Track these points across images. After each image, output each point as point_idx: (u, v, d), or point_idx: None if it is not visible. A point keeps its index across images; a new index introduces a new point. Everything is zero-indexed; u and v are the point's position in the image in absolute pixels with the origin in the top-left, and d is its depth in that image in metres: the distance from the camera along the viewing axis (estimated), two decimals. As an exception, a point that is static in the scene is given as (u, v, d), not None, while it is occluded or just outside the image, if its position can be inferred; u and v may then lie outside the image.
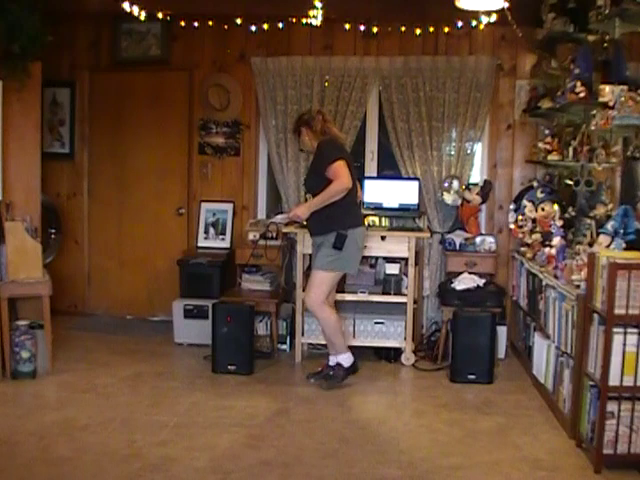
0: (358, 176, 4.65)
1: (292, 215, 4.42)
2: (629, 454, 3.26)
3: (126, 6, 4.87)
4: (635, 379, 3.21)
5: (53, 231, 5.97)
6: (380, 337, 5.07)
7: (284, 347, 5.30)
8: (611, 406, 3.24)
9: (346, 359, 4.48)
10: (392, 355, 5.08)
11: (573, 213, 4.57)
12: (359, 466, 3.34)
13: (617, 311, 3.19)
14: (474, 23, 5.12)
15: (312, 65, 5.59)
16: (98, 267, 6.19)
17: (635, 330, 3.21)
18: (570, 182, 4.57)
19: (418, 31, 5.46)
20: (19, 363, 4.38)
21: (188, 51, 5.84)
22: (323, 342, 4.77)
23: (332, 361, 4.50)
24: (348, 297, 4.98)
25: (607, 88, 3.79)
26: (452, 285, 5.04)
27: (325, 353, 4.73)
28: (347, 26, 5.49)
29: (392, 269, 5.09)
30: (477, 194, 5.40)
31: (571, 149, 4.46)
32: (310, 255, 4.78)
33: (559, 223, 4.55)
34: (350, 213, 4.37)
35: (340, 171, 4.21)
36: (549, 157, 4.79)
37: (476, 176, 5.66)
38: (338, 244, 4.24)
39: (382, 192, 5.41)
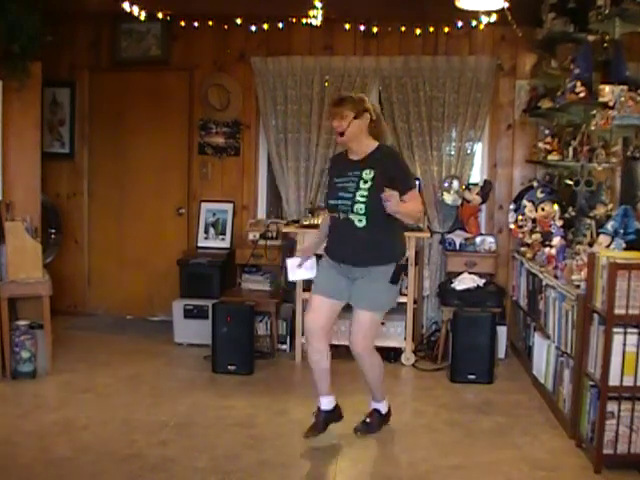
0: None
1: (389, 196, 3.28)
2: (629, 454, 3.26)
3: (126, 6, 4.87)
4: (635, 379, 3.21)
5: (53, 231, 5.96)
6: (380, 337, 5.05)
7: (284, 347, 5.30)
8: (611, 406, 3.24)
9: (384, 406, 3.89)
10: (392, 355, 5.07)
11: (573, 213, 4.56)
12: (359, 466, 3.35)
13: (617, 311, 3.19)
14: (474, 23, 5.12)
15: (312, 65, 5.59)
16: (98, 267, 6.19)
17: (635, 330, 3.21)
18: (570, 182, 4.57)
19: (418, 31, 5.46)
20: (19, 363, 4.38)
21: (188, 51, 5.84)
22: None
23: (373, 406, 3.90)
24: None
25: (607, 88, 3.80)
26: (452, 285, 5.04)
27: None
28: (347, 26, 5.49)
29: (392, 269, 5.09)
30: (477, 194, 5.40)
31: (571, 149, 4.46)
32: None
33: (559, 223, 4.55)
34: (403, 240, 3.74)
35: (419, 197, 3.59)
36: (549, 157, 4.79)
37: (476, 176, 5.66)
38: (395, 278, 3.53)
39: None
